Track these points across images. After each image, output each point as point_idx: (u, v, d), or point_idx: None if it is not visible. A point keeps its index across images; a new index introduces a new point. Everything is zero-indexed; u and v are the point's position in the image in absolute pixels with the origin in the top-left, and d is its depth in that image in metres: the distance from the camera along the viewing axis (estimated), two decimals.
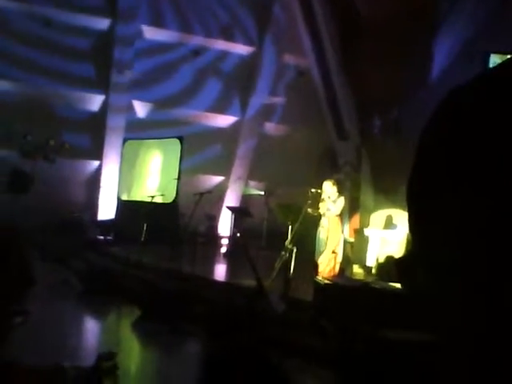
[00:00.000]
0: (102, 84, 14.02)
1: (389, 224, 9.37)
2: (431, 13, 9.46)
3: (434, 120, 0.55)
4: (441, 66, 9.60)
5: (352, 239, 9.81)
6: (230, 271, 10.24)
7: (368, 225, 9.80)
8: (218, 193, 14.08)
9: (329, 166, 11.98)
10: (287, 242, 7.57)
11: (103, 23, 14.04)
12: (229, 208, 12.24)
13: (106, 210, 13.77)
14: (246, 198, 14.42)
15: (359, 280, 7.15)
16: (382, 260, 8.17)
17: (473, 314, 0.48)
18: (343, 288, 5.18)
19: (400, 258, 6.93)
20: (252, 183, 14.81)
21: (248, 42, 14.94)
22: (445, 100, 0.55)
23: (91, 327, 7.62)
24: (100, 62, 14.02)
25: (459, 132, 0.52)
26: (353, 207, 10.14)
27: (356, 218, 10.19)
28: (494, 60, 8.81)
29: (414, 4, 9.13)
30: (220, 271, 10.61)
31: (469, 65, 8.87)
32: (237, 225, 11.68)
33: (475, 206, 0.49)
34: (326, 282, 5.41)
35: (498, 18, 9.01)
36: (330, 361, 4.90)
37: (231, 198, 14.70)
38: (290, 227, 7.79)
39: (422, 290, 0.55)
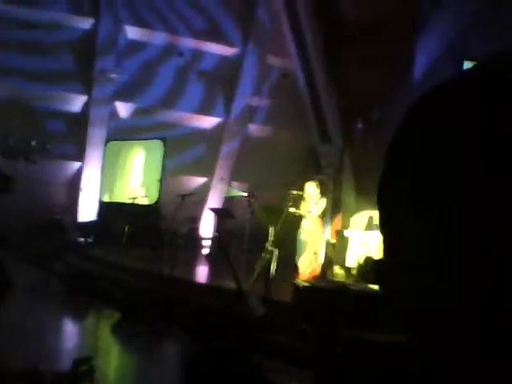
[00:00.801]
0: (84, 84, 13.92)
1: (370, 225, 9.43)
2: (415, 15, 9.55)
3: (405, 123, 0.56)
4: (423, 69, 9.68)
5: (334, 240, 9.86)
6: (212, 273, 10.22)
7: (349, 226, 9.86)
8: (201, 194, 14.05)
9: (312, 168, 12.04)
10: (268, 244, 7.58)
11: (86, 23, 13.95)
12: (211, 209, 12.21)
13: (87, 212, 13.67)
14: (228, 200, 14.41)
15: (337, 282, 7.19)
16: (362, 261, 8.23)
17: (449, 317, 0.48)
18: (321, 290, 5.21)
19: (378, 261, 6.98)
20: (235, 184, 14.80)
21: (231, 43, 14.94)
22: (417, 103, 0.55)
23: (71, 329, 7.55)
24: (82, 62, 13.92)
25: (430, 136, 0.52)
26: (335, 208, 10.20)
27: (338, 219, 10.25)
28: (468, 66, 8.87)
29: (397, 8, 9.20)
30: (201, 273, 10.58)
31: (451, 67, 8.95)
32: (219, 226, 11.66)
33: (444, 211, 0.49)
34: (305, 284, 5.43)
35: (480, 23, 9.11)
36: (310, 363, 4.91)
37: (214, 200, 14.68)
38: (271, 229, 7.80)
39: (398, 294, 0.55)
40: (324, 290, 5.17)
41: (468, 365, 0.48)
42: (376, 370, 4.06)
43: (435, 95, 0.54)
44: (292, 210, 7.70)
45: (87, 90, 13.92)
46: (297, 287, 5.46)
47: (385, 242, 0.57)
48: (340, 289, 5.13)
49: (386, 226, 0.56)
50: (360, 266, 8.10)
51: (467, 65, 8.65)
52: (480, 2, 9.51)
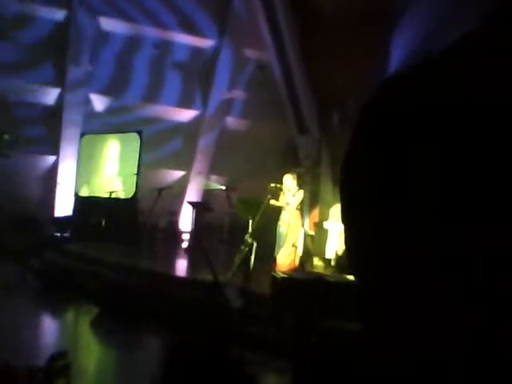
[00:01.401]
0: (58, 76, 13.70)
1: None
2: (390, 9, 9.60)
3: (361, 112, 0.55)
4: (397, 62, 9.76)
5: (312, 232, 9.92)
6: (190, 266, 10.21)
7: (327, 218, 9.92)
8: (179, 188, 13.99)
9: (290, 160, 12.08)
10: (247, 236, 7.59)
11: (59, 14, 13.70)
12: (190, 203, 12.17)
13: (63, 207, 13.49)
14: (207, 193, 14.38)
15: (314, 273, 7.26)
16: (340, 252, 8.31)
17: (418, 311, 0.49)
18: (298, 281, 5.26)
19: None
20: (213, 178, 14.77)
21: (207, 35, 14.85)
22: (376, 90, 0.54)
23: (48, 326, 7.47)
24: (56, 55, 13.69)
25: (385, 124, 0.52)
26: (312, 200, 10.26)
27: (316, 211, 10.31)
28: None
29: (373, 1, 9.24)
30: (180, 267, 10.55)
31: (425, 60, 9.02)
32: (197, 220, 11.63)
33: (403, 204, 0.49)
34: (282, 275, 5.48)
35: (454, 17, 9.21)
36: (288, 353, 4.96)
37: (192, 193, 14.63)
38: (250, 221, 7.83)
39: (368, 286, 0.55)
40: (302, 280, 5.23)
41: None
42: (352, 359, 4.11)
43: (395, 83, 0.54)
44: (273, 202, 7.75)
45: (61, 83, 13.69)
46: (275, 278, 5.50)
47: (346, 232, 0.56)
48: (317, 279, 5.20)
49: (347, 217, 0.56)
50: (339, 258, 8.17)
51: None
52: None
